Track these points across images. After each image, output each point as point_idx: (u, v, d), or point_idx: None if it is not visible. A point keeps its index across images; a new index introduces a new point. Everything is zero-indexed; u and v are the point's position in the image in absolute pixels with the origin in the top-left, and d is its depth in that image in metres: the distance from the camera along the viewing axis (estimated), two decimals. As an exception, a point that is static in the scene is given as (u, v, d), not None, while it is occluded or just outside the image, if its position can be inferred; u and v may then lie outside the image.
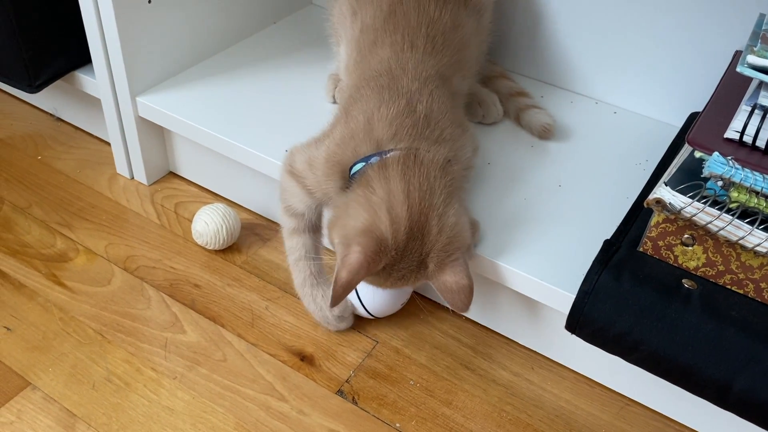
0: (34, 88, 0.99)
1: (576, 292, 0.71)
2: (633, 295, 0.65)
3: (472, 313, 0.89)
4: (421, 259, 0.69)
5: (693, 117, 0.93)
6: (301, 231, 0.82)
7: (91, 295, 0.89)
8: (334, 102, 0.99)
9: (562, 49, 1.04)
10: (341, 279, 0.66)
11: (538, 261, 0.77)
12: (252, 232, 1.00)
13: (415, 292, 0.91)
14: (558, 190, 0.88)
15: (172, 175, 1.08)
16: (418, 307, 0.91)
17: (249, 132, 0.93)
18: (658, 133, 0.98)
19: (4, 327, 0.85)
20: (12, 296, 0.88)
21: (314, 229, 0.83)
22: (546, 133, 0.94)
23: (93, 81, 1.00)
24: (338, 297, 0.67)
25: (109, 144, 1.12)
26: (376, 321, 0.88)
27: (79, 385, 0.79)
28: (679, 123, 0.98)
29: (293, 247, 0.83)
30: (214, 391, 0.80)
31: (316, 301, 0.84)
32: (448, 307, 0.90)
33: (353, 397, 0.80)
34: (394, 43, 0.82)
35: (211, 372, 0.81)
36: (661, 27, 0.95)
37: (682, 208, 0.62)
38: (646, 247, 0.69)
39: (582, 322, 0.67)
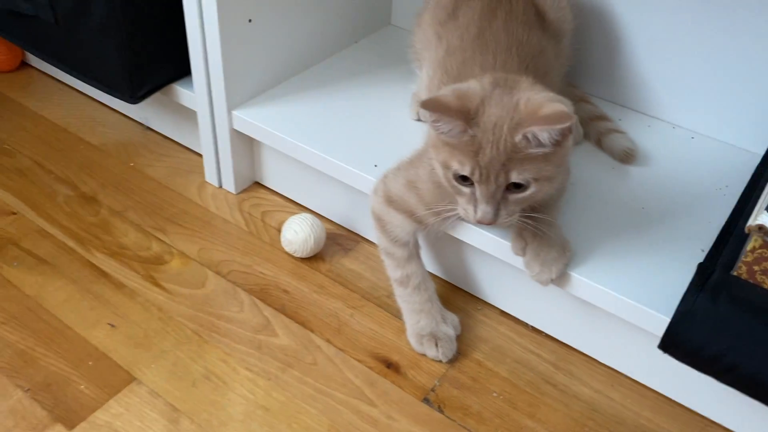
0: (135, 99, 1.05)
1: (667, 313, 0.73)
2: (730, 318, 0.66)
3: (551, 329, 0.92)
4: (514, 106, 0.70)
5: (776, 144, 0.95)
6: (416, 256, 0.86)
7: (187, 296, 0.94)
8: (418, 119, 1.03)
9: (640, 73, 1.06)
10: (427, 98, 0.71)
11: (628, 282, 0.79)
12: (334, 242, 1.04)
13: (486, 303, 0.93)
14: (641, 213, 0.90)
15: (257, 185, 1.13)
16: (497, 320, 0.93)
17: (338, 146, 0.97)
18: (737, 159, 1.00)
19: (109, 324, 0.90)
20: (114, 295, 0.94)
21: (419, 254, 0.88)
22: (628, 158, 0.96)
23: (190, 94, 1.06)
24: (426, 101, 0.70)
25: (196, 153, 1.18)
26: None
27: (180, 381, 0.84)
28: (758, 149, 1.00)
29: (413, 272, 0.86)
30: (306, 393, 0.83)
31: (436, 319, 0.87)
32: (526, 323, 0.93)
33: (439, 406, 0.83)
34: (485, 63, 0.85)
35: (303, 375, 0.85)
36: (740, 51, 0.96)
37: (785, 235, 0.64)
38: (740, 272, 0.70)
39: (677, 342, 0.69)
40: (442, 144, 0.73)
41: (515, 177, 0.70)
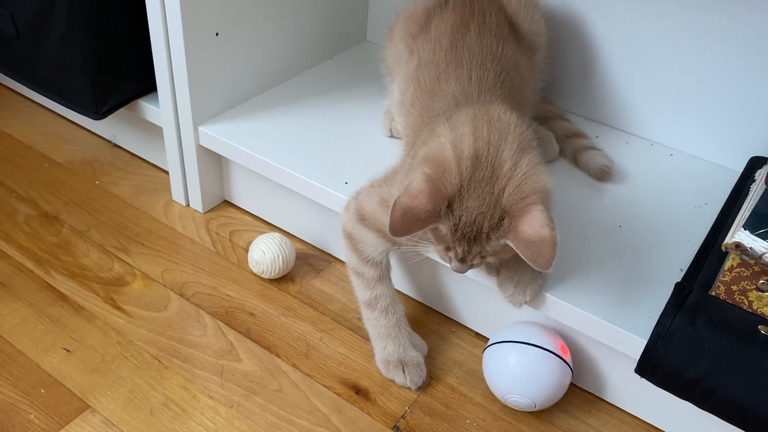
0: (99, 114, 1.02)
1: (645, 336, 0.70)
2: (708, 340, 0.64)
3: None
4: (495, 199, 0.65)
5: (755, 161, 0.93)
6: (386, 278, 0.83)
7: (147, 320, 0.90)
8: (391, 136, 1.00)
9: (618, 89, 1.04)
10: (399, 203, 0.64)
11: (604, 303, 0.76)
12: (305, 262, 1.00)
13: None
14: (618, 231, 0.87)
15: (227, 203, 1.10)
16: (472, 343, 0.90)
17: (308, 163, 0.94)
18: (716, 177, 0.98)
19: (64, 349, 0.85)
20: (71, 318, 0.89)
21: (389, 275, 0.85)
22: (604, 175, 0.94)
23: (156, 109, 1.03)
24: (395, 223, 0.64)
25: (164, 171, 1.14)
26: (429, 357, 0.87)
27: (137, 409, 0.79)
28: (737, 166, 0.98)
29: (382, 294, 0.83)
30: (270, 421, 0.79)
31: (403, 345, 0.83)
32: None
33: (409, 434, 0.79)
34: (460, 77, 0.82)
35: (267, 402, 0.81)
36: (719, 69, 0.95)
37: (763, 254, 0.61)
38: (718, 291, 0.68)
39: (654, 366, 0.66)
40: None
41: (490, 259, 0.70)
